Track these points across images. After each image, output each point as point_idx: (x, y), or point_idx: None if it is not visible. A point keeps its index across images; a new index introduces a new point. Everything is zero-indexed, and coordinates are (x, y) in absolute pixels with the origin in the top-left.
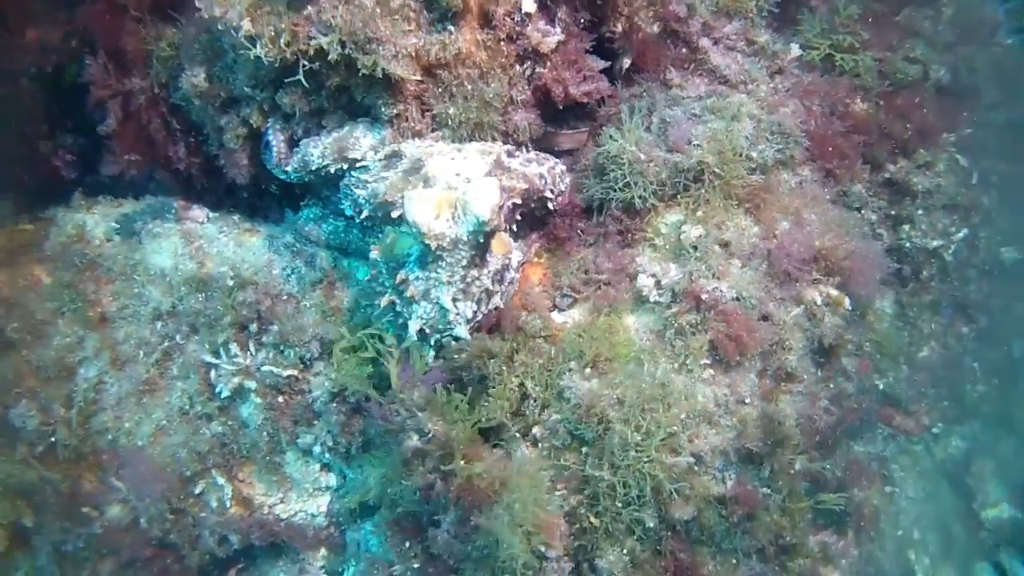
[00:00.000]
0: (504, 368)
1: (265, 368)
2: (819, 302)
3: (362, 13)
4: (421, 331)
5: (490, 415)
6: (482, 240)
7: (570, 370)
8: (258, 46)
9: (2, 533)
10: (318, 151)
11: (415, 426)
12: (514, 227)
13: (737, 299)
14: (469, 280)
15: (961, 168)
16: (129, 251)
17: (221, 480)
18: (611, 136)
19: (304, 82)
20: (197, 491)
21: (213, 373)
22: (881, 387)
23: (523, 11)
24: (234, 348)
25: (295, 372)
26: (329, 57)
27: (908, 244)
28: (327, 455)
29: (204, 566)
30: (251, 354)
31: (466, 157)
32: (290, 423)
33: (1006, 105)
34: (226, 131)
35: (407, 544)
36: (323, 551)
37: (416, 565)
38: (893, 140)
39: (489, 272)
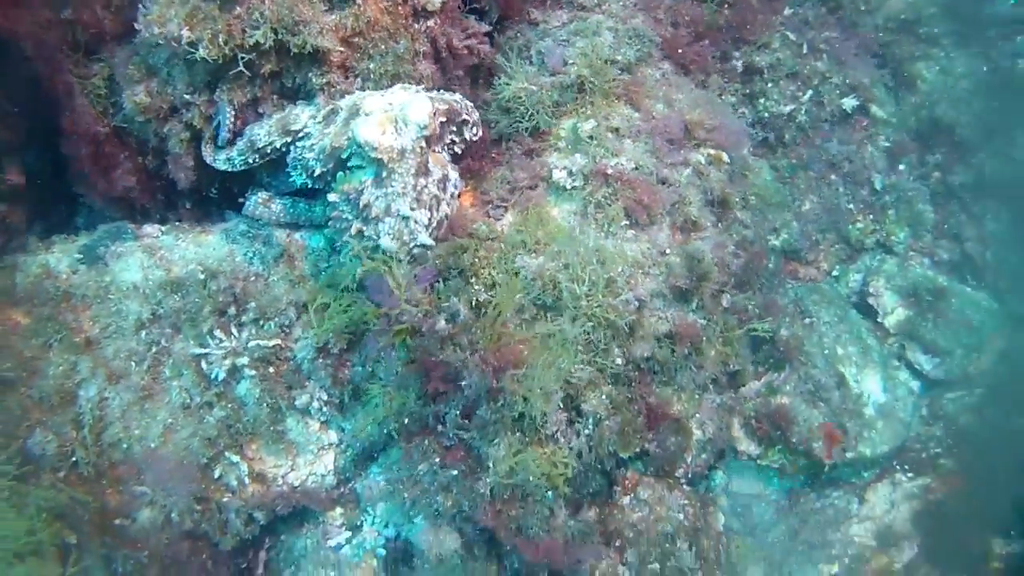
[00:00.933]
0: (476, 259)
1: (252, 343)
2: (703, 161)
3: (286, 1)
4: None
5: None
6: (424, 146)
7: (519, 255)
8: (200, 49)
9: (55, 552)
10: (263, 131)
11: (449, 310)
12: (446, 155)
13: (636, 168)
14: (419, 188)
15: (792, 42)
16: (98, 276)
17: (235, 458)
18: (505, 83)
19: (245, 71)
20: (216, 475)
21: (203, 363)
22: (779, 244)
23: None
24: (219, 333)
25: (279, 341)
26: (265, 45)
27: (766, 114)
28: (324, 410)
29: (235, 550)
30: (235, 336)
31: (394, 93)
32: (284, 389)
33: None
34: (171, 137)
35: (425, 442)
36: (339, 509)
37: (437, 458)
38: (734, 30)
39: (433, 180)
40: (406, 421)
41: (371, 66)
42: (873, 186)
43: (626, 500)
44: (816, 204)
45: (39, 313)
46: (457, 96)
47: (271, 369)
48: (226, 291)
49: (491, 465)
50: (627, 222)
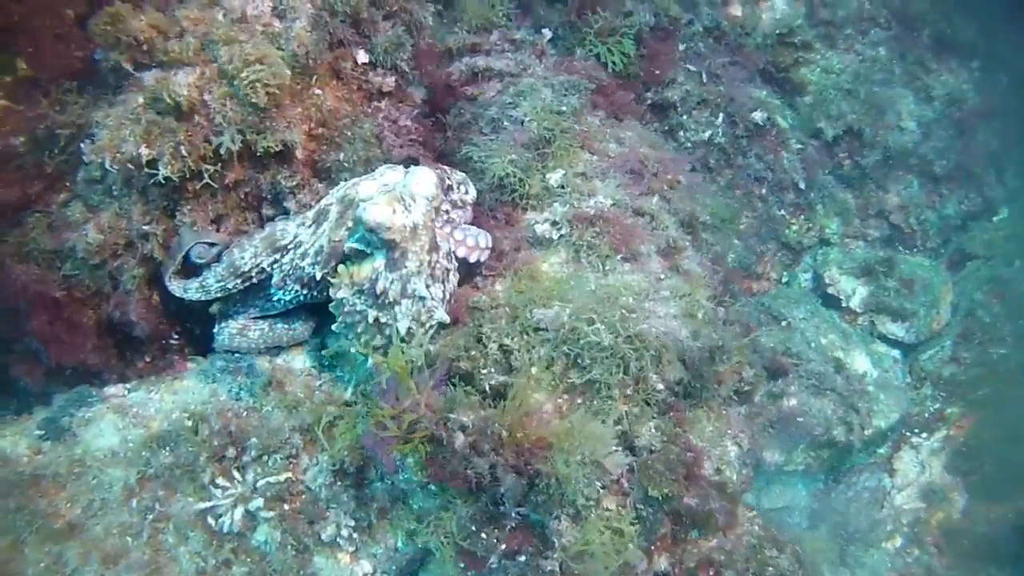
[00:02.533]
0: (485, 332)
1: (261, 482)
2: (665, 187)
3: (247, 101)
4: (409, 330)
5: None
6: (434, 218)
7: (532, 310)
8: (162, 167)
9: None
10: (248, 253)
11: (456, 425)
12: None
13: (614, 204)
14: (432, 263)
15: (693, 72)
16: (67, 450)
17: None
18: (487, 157)
19: (212, 183)
20: None
21: (211, 518)
22: (731, 263)
23: (360, 62)
24: (221, 480)
25: (289, 474)
26: (232, 149)
27: (688, 144)
28: (354, 536)
29: None
30: (239, 480)
31: (383, 174)
32: (307, 525)
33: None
34: (126, 276)
35: (483, 536)
36: None
37: (503, 546)
38: (643, 77)
39: (442, 252)
40: (460, 532)
41: (341, 156)
42: (798, 187)
43: (694, 533)
44: (751, 219)
45: (3, 507)
46: (447, 170)
47: (287, 507)
48: (220, 433)
49: (556, 541)
50: (620, 256)
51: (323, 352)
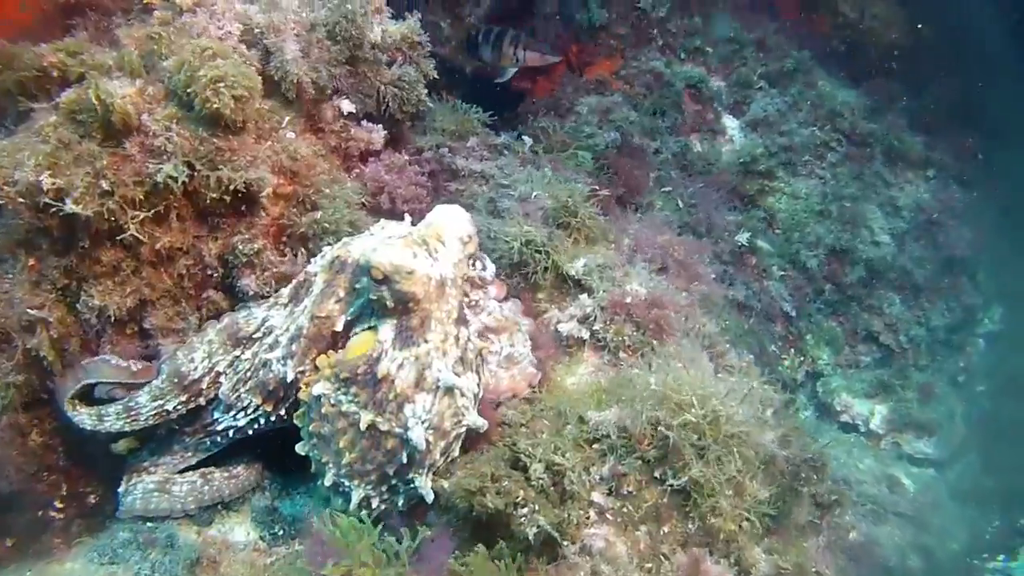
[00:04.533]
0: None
1: None
2: (692, 284)
3: (200, 128)
4: (427, 445)
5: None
6: (465, 275)
7: (586, 411)
8: (68, 202)
9: None
10: (200, 352)
11: None
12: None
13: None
14: (462, 339)
15: (670, 197)
16: None
17: None
18: (504, 229)
19: (137, 236)
20: None
21: None
22: None
23: (345, 111)
24: None
25: None
26: (175, 184)
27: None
28: None
29: None
30: None
31: (383, 227)
32: None
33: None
34: None
35: None
36: None
37: None
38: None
39: (473, 329)
40: None
41: (318, 216)
42: (787, 315)
43: None
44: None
45: None
46: None
47: None
48: None
49: None
50: (667, 354)
51: (273, 513)
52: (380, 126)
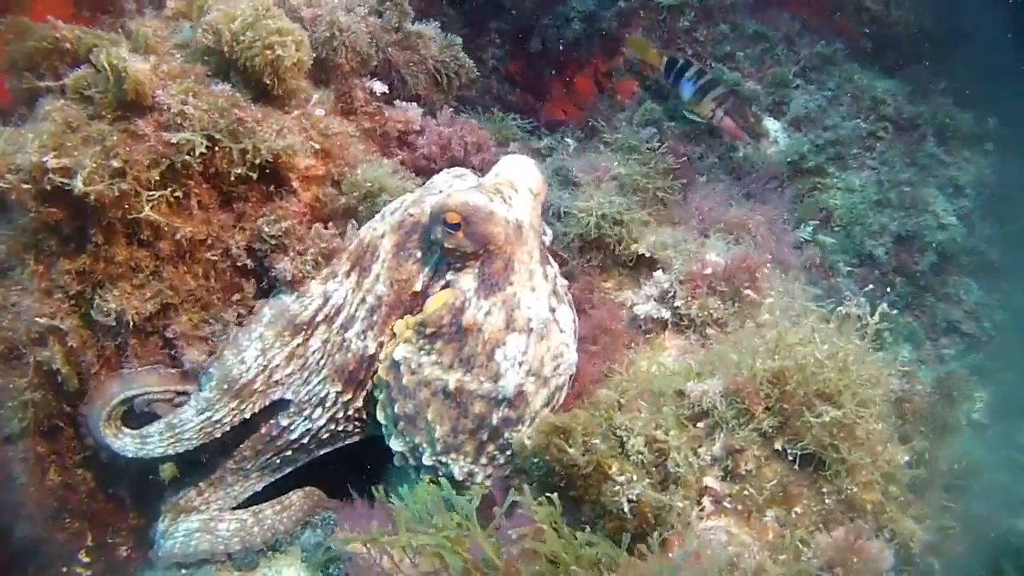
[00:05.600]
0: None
1: None
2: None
3: (221, 100)
4: (521, 393)
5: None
6: (541, 222)
7: (676, 394)
8: (77, 181)
9: None
10: (251, 351)
11: None
12: None
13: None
14: (550, 275)
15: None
16: None
17: None
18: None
19: (155, 217)
20: None
21: None
22: None
23: (378, 92)
24: None
25: None
26: (194, 159)
27: None
28: None
29: None
30: None
31: (450, 183)
32: None
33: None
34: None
35: None
36: None
37: None
38: None
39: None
40: None
41: (358, 174)
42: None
43: None
44: None
45: None
46: None
47: None
48: None
49: None
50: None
51: (328, 552)
52: (415, 104)
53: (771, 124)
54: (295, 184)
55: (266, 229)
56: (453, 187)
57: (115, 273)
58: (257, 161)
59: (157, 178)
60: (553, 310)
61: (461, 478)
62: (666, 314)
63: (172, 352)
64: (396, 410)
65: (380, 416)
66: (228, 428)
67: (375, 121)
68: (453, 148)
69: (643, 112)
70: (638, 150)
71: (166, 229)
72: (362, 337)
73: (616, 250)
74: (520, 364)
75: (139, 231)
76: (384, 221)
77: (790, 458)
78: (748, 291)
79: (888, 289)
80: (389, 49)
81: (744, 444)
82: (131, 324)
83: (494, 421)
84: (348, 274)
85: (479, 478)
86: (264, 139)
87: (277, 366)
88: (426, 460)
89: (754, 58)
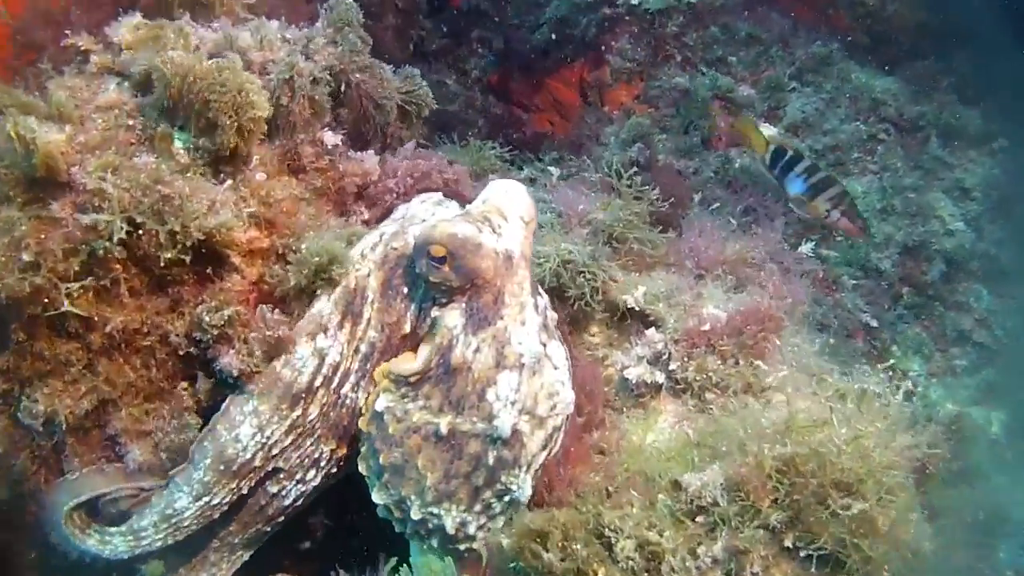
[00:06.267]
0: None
1: None
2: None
3: (143, 176)
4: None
5: None
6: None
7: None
8: None
9: None
10: (246, 428)
11: None
12: None
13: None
14: (540, 307)
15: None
16: None
17: None
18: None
19: (74, 310)
20: None
21: None
22: None
23: (329, 144)
24: None
25: None
26: (115, 240)
27: None
28: None
29: None
30: None
31: (432, 212)
32: None
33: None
34: None
35: None
36: None
37: None
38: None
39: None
40: None
41: (303, 249)
42: (868, 326)
43: None
44: None
45: None
46: None
47: None
48: None
49: None
50: (766, 386)
51: None
52: (371, 152)
53: (767, 131)
54: (237, 261)
55: (206, 318)
56: (436, 215)
57: (43, 370)
58: (188, 243)
59: (77, 268)
60: (544, 345)
61: (453, 531)
62: (660, 378)
63: (116, 450)
64: (381, 461)
65: (362, 468)
66: (226, 508)
67: (328, 177)
68: (433, 181)
69: (630, 127)
70: (620, 192)
71: (96, 320)
72: (355, 389)
73: (589, 302)
74: (512, 403)
75: (66, 324)
76: (366, 260)
77: (802, 555)
78: (752, 355)
79: (895, 301)
80: (356, 75)
81: (749, 544)
82: (64, 425)
83: (490, 461)
84: (341, 325)
85: (471, 529)
86: (193, 217)
87: (276, 441)
88: (414, 514)
89: (747, 62)
